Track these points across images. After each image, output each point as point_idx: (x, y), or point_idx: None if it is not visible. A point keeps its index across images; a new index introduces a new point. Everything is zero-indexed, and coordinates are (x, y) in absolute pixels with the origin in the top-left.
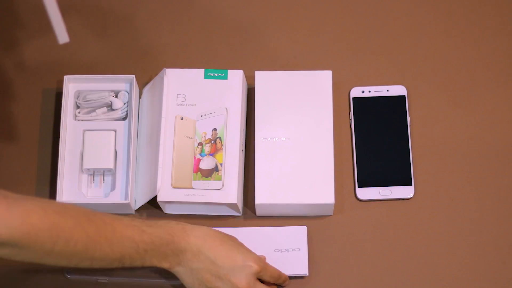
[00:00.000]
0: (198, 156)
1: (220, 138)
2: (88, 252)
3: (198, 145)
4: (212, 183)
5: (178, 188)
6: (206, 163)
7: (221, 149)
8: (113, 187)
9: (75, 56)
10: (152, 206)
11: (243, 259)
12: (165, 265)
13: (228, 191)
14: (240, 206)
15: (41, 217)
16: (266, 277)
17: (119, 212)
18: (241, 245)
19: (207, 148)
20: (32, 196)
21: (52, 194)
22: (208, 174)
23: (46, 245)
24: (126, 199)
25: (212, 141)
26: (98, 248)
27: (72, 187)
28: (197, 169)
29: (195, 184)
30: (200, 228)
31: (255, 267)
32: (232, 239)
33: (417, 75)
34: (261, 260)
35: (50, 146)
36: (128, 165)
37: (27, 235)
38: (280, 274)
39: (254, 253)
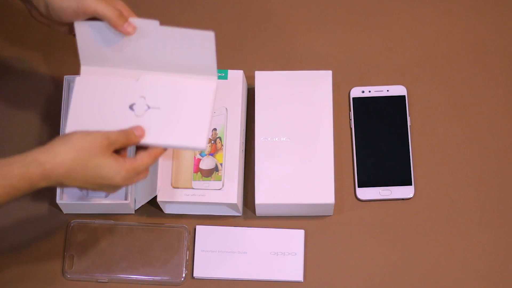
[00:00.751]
0: (198, 156)
1: (220, 138)
2: None
3: None
4: (212, 183)
5: (178, 188)
6: (206, 163)
7: (221, 149)
8: None
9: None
10: (152, 206)
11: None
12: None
13: (228, 191)
14: (240, 206)
15: None
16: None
17: (119, 212)
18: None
19: (207, 148)
20: None
21: (53, 194)
22: (208, 174)
23: None
24: (126, 199)
25: (212, 141)
26: None
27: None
28: (197, 169)
29: (195, 184)
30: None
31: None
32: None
33: (417, 75)
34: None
35: None
36: None
37: None
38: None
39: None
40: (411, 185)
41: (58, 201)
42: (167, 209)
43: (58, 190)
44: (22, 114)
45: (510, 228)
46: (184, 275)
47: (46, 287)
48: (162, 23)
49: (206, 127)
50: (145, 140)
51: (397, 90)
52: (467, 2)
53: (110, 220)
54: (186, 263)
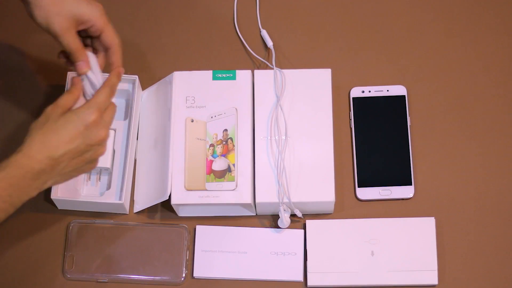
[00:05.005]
0: (210, 158)
1: (231, 138)
2: None
3: (209, 146)
4: (225, 184)
5: (191, 190)
6: (219, 164)
7: (232, 149)
8: (108, 186)
9: None
10: (165, 208)
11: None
12: (34, 193)
13: (242, 191)
14: (254, 206)
15: None
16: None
17: (114, 212)
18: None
19: (219, 149)
20: None
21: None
22: (221, 175)
23: None
24: (120, 199)
25: (224, 142)
26: None
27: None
28: (210, 171)
29: (209, 185)
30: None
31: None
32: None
33: (417, 75)
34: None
35: None
36: (125, 165)
37: None
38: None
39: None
40: (411, 185)
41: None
42: (181, 212)
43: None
44: (25, 111)
45: (510, 228)
46: (184, 275)
47: (46, 287)
48: (162, 23)
49: None
50: None
51: (397, 90)
52: (467, 2)
53: (110, 220)
54: (186, 263)
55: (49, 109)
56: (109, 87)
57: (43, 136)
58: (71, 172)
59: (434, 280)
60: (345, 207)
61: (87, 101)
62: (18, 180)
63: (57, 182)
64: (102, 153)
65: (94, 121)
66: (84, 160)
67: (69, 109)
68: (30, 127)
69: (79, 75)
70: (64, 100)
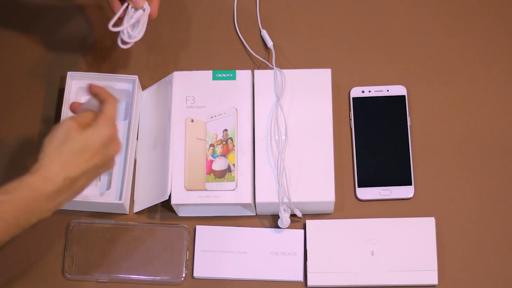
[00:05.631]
0: (210, 158)
1: (231, 138)
2: None
3: (209, 146)
4: (225, 184)
5: (191, 190)
6: (219, 164)
7: (233, 149)
8: (108, 186)
9: (78, 52)
10: (165, 208)
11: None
12: (47, 214)
13: (242, 191)
14: (254, 206)
15: None
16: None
17: (114, 212)
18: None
19: (219, 149)
20: None
21: None
22: (221, 175)
23: None
24: (120, 199)
25: (224, 142)
26: None
27: None
28: (210, 171)
29: (209, 185)
30: (47, 159)
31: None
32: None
33: (417, 75)
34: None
35: None
36: (125, 165)
37: None
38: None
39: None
40: (411, 185)
41: None
42: (181, 212)
43: None
44: (26, 109)
45: (510, 228)
46: (184, 275)
47: (46, 287)
48: (162, 23)
49: None
50: None
51: (397, 90)
52: (467, 2)
53: (110, 220)
54: (186, 263)
55: (67, 125)
56: (114, 98)
57: (64, 158)
58: (84, 185)
59: (434, 280)
60: (345, 207)
61: (100, 117)
62: (27, 203)
63: (71, 198)
64: (114, 165)
65: (109, 136)
66: (98, 173)
67: (87, 125)
68: (44, 143)
69: (136, 9)
70: (83, 116)
